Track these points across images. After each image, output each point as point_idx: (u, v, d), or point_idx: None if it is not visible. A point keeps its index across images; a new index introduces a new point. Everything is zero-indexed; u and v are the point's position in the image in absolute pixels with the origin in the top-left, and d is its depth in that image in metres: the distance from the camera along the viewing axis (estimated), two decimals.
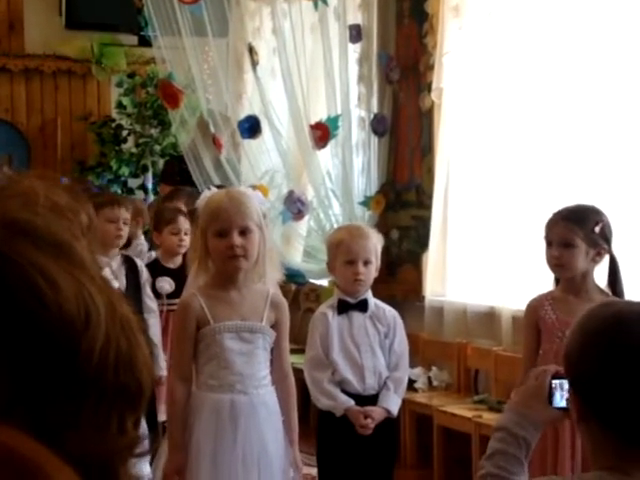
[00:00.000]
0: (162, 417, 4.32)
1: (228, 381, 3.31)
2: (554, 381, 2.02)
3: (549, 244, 3.61)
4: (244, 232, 3.30)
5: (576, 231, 3.54)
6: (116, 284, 4.24)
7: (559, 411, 2.01)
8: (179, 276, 4.75)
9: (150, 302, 4.80)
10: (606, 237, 3.58)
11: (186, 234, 5.06)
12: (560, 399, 2.01)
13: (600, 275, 3.67)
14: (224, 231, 3.29)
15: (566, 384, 1.96)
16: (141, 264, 4.93)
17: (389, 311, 3.98)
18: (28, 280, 0.65)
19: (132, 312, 0.72)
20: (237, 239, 3.27)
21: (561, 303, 3.62)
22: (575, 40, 5.22)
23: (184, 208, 6.05)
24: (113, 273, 4.66)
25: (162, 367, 4.46)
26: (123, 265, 4.82)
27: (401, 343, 3.95)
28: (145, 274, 4.87)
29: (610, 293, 3.58)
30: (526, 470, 2.00)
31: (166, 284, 4.99)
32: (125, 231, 4.86)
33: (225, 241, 3.28)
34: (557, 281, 3.75)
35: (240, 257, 3.29)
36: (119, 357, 0.68)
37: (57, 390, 0.53)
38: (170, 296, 4.93)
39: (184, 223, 5.07)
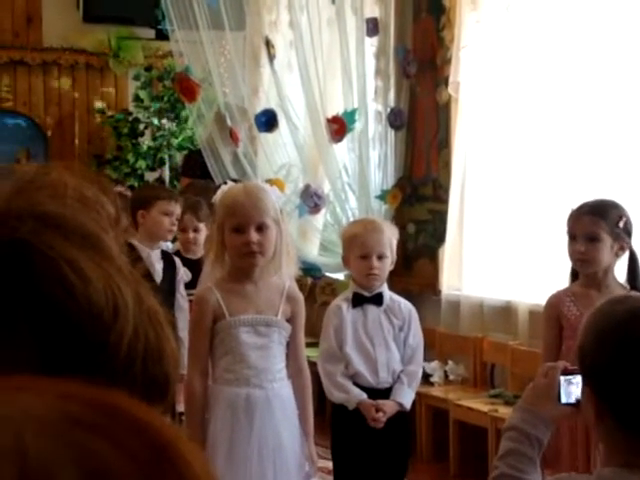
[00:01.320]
0: (180, 408, 4.31)
1: (244, 375, 3.32)
2: (563, 377, 2.01)
3: (573, 238, 3.57)
4: (261, 228, 3.29)
5: (602, 225, 3.51)
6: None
7: (569, 407, 2.01)
8: (196, 267, 4.75)
9: (182, 301, 4.75)
10: (629, 232, 3.56)
11: (197, 230, 5.03)
12: (570, 395, 2.00)
13: (619, 270, 3.66)
14: (241, 227, 3.29)
15: (576, 380, 1.95)
16: (179, 262, 4.90)
17: (404, 304, 3.97)
18: (57, 272, 0.66)
19: (160, 305, 0.72)
20: (254, 235, 3.27)
21: (583, 298, 3.58)
22: (593, 33, 5.20)
23: None
24: (152, 268, 4.66)
25: (185, 366, 4.45)
26: (162, 260, 4.81)
27: (416, 336, 3.95)
28: (181, 272, 4.85)
29: (629, 288, 3.56)
30: (539, 468, 1.99)
31: (183, 275, 4.99)
32: (175, 227, 4.89)
33: (242, 237, 3.28)
34: (573, 276, 3.72)
35: (257, 253, 3.29)
36: (147, 349, 0.68)
37: (86, 382, 0.53)
38: (186, 286, 4.92)
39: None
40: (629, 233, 3.56)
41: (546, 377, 2.04)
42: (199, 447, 0.55)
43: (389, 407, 3.79)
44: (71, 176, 0.73)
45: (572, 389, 1.99)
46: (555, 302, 3.66)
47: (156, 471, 0.49)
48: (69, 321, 0.65)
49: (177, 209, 4.86)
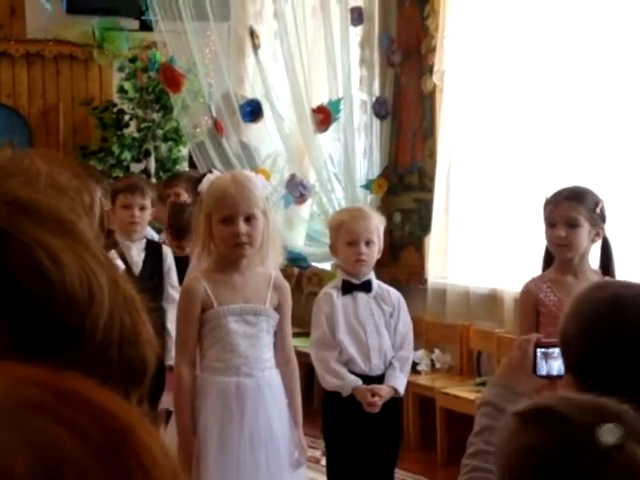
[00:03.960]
0: (165, 405, 4.29)
1: (234, 364, 3.32)
2: (538, 350, 2.01)
3: (552, 225, 3.60)
4: (249, 219, 3.29)
5: (581, 210, 3.54)
6: (121, 264, 4.17)
7: (545, 380, 2.01)
8: (183, 264, 4.72)
9: (172, 291, 4.66)
10: (604, 218, 3.60)
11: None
12: (546, 368, 2.01)
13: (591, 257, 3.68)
14: (230, 218, 3.28)
15: (553, 353, 1.96)
16: (167, 251, 4.83)
17: (393, 292, 3.99)
18: (31, 257, 0.66)
19: (136, 291, 0.72)
20: (243, 227, 3.27)
21: (559, 285, 3.61)
22: (577, 24, 5.21)
23: (184, 193, 6.03)
24: (130, 259, 4.61)
25: (173, 357, 4.43)
26: (144, 251, 4.77)
27: (405, 323, 3.96)
28: (169, 261, 4.78)
29: (601, 274, 3.58)
30: None
31: (172, 265, 4.95)
32: (141, 217, 4.76)
33: (230, 228, 3.27)
34: (546, 263, 3.73)
35: (245, 244, 3.29)
36: (123, 334, 0.68)
37: (61, 367, 0.53)
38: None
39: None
40: (604, 219, 3.60)
41: (519, 350, 2.04)
42: (158, 432, 0.54)
43: (384, 391, 3.81)
44: (45, 163, 0.73)
45: (551, 362, 1.99)
46: (532, 289, 3.66)
47: (113, 456, 0.49)
48: (44, 306, 0.65)
49: (138, 200, 4.73)
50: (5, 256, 0.66)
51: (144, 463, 0.50)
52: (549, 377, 2.01)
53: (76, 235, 0.69)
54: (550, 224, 3.61)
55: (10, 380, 0.50)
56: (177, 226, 5.10)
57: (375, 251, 3.90)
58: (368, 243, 3.86)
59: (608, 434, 1.26)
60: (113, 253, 4.32)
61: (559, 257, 3.65)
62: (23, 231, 0.67)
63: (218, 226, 3.30)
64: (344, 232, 3.87)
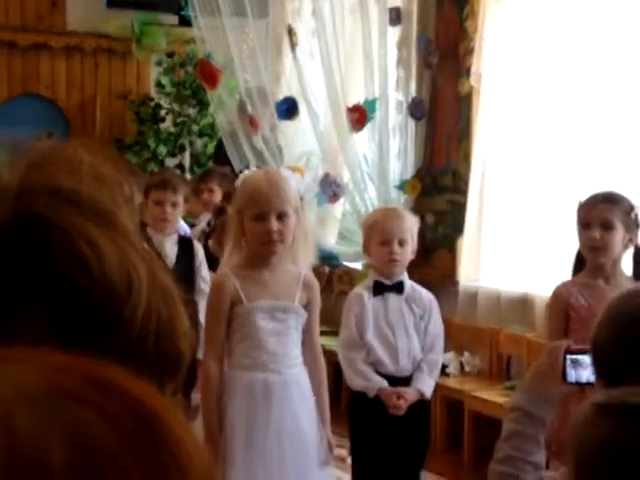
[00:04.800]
0: (196, 401, 4.29)
1: (262, 360, 3.32)
2: (567, 356, 2.00)
3: (585, 227, 3.55)
4: (281, 216, 3.29)
5: (616, 213, 3.49)
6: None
7: (574, 387, 1.99)
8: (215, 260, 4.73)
9: (203, 285, 4.67)
10: (638, 224, 3.55)
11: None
12: (577, 376, 1.99)
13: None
14: (262, 215, 3.28)
15: (584, 360, 1.94)
16: (198, 246, 4.86)
17: (425, 294, 3.95)
18: (73, 247, 0.66)
19: (173, 282, 0.73)
20: (274, 224, 3.27)
21: (591, 290, 3.55)
22: (617, 28, 5.17)
23: (217, 188, 6.05)
24: (163, 252, 4.63)
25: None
26: (176, 246, 4.79)
27: (436, 325, 3.93)
28: (201, 256, 4.80)
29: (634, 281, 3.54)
30: (543, 447, 1.97)
31: (203, 260, 4.97)
32: (172, 214, 4.75)
33: (262, 225, 3.27)
34: (577, 268, 3.68)
35: (277, 242, 3.29)
36: (160, 325, 0.68)
37: (98, 356, 0.53)
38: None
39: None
40: (638, 225, 3.55)
41: (549, 357, 2.02)
42: (191, 426, 0.53)
43: (410, 394, 3.78)
44: (87, 153, 0.73)
45: (580, 370, 1.98)
46: (562, 293, 3.61)
47: (144, 445, 0.49)
48: (84, 295, 0.66)
49: (170, 197, 4.71)
50: (47, 245, 0.67)
51: (177, 456, 0.50)
52: (578, 384, 1.99)
53: (116, 226, 0.70)
54: (584, 225, 3.55)
55: (47, 367, 0.50)
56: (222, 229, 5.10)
57: (408, 251, 3.87)
58: (401, 243, 3.84)
59: None
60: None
61: (592, 261, 3.59)
62: (65, 220, 0.67)
63: (250, 223, 3.30)
64: (377, 231, 3.86)
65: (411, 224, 3.91)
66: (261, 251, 3.33)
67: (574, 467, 1.37)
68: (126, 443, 0.48)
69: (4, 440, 0.46)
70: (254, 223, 3.30)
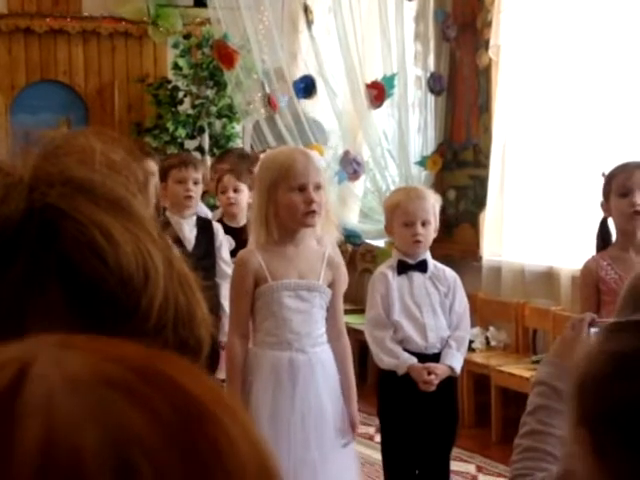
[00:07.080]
0: (221, 375, 4.31)
1: (286, 339, 3.32)
2: (591, 329, 1.98)
3: (624, 195, 3.46)
4: (317, 188, 3.30)
5: None
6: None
7: None
8: (240, 235, 4.72)
9: (225, 267, 4.67)
10: None
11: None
12: None
13: None
14: (302, 186, 3.27)
15: None
16: (218, 227, 4.84)
17: (449, 272, 3.94)
18: (87, 236, 0.66)
19: (191, 270, 0.72)
20: (314, 194, 3.28)
21: (621, 262, 3.50)
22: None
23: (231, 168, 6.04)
24: (182, 235, 4.63)
25: (226, 332, 4.43)
26: (195, 227, 4.80)
27: (462, 303, 3.92)
28: (221, 238, 4.79)
29: None
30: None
31: (223, 241, 4.97)
32: (196, 191, 4.79)
33: (303, 196, 3.26)
34: (601, 242, 3.63)
35: (316, 213, 3.29)
36: (178, 314, 0.68)
37: (142, 346, 0.53)
38: (231, 254, 4.90)
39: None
40: None
41: (573, 330, 2.01)
42: (253, 425, 0.52)
43: (441, 370, 3.77)
44: (99, 141, 0.72)
45: None
46: (592, 267, 3.57)
47: (184, 439, 0.48)
48: (100, 286, 0.65)
49: (192, 174, 4.74)
50: (61, 235, 0.66)
51: (220, 450, 0.49)
52: None
53: (131, 214, 0.69)
54: (622, 194, 3.47)
55: (102, 356, 0.50)
56: None
57: (431, 231, 3.86)
58: (424, 223, 3.82)
59: None
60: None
61: (632, 228, 3.51)
62: (78, 210, 0.67)
63: (288, 195, 3.26)
64: (400, 213, 3.84)
65: (433, 203, 3.89)
66: (299, 222, 3.30)
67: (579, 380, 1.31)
68: (163, 434, 0.47)
69: (41, 420, 0.46)
70: (293, 194, 3.26)
